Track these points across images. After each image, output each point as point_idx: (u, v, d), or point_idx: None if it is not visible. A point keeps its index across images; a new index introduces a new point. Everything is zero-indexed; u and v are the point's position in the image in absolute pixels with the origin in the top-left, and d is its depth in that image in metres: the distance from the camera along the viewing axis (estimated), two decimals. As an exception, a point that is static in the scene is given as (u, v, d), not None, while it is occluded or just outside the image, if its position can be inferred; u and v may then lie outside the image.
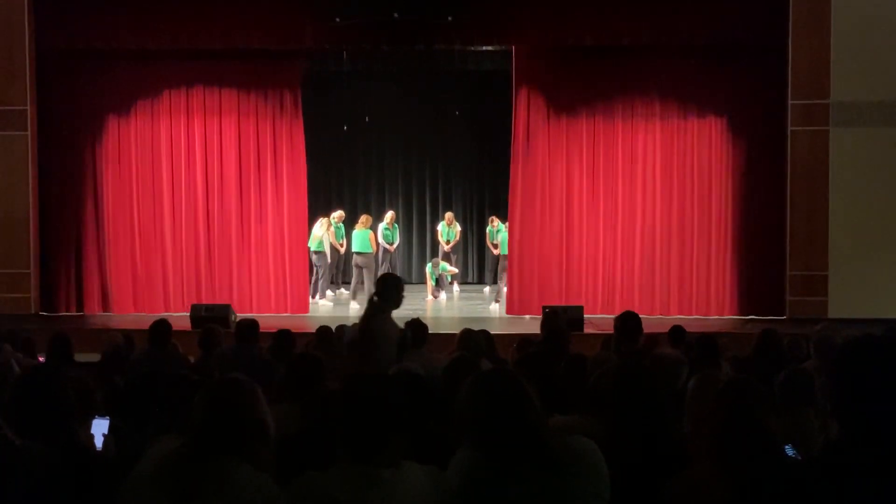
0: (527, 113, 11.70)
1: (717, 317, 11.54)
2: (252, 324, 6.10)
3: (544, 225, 11.68)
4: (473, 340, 5.61)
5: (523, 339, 6.64)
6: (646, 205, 11.71)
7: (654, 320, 10.43)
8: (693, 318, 11.09)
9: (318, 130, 16.29)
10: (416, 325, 5.66)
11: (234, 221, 12.06)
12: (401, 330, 5.43)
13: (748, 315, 11.48)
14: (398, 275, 7.08)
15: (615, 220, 11.74)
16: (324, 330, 6.91)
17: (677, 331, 6.76)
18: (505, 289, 13.40)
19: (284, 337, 6.19)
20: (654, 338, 6.27)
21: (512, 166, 11.80)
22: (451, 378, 3.66)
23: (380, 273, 14.47)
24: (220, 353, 5.86)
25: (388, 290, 5.45)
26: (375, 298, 5.45)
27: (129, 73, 11.92)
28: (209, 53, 11.83)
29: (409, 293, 14.52)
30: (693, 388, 3.50)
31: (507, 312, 11.56)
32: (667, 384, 3.91)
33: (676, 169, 11.69)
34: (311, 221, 14.53)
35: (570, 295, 11.62)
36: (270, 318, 10.65)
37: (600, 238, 11.75)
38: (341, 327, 7.13)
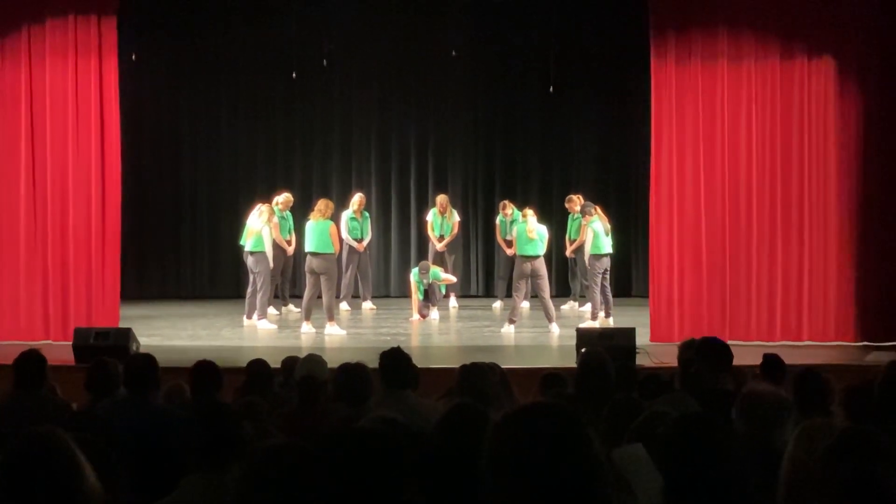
0: (674, 43, 11.71)
1: (821, 343, 11.55)
2: (148, 361, 6.06)
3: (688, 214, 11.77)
4: (479, 379, 5.60)
5: (550, 376, 6.64)
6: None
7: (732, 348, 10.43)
8: (786, 346, 11.10)
9: (251, 78, 16.36)
10: (394, 357, 5.63)
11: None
12: None
13: (868, 341, 11.50)
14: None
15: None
16: (258, 366, 6.88)
17: (773, 362, 6.72)
18: (524, 304, 13.44)
19: (204, 374, 6.16)
20: (738, 372, 6.26)
21: (655, 125, 11.80)
22: (450, 436, 3.64)
23: (345, 280, 14.57)
24: (117, 401, 5.83)
25: None
26: None
27: None
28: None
29: (387, 310, 14.78)
30: (795, 445, 3.48)
31: (653, 340, 11.44)
32: (763, 439, 3.90)
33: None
34: (239, 209, 14.58)
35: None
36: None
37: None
38: (291, 360, 7.11)
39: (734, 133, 11.69)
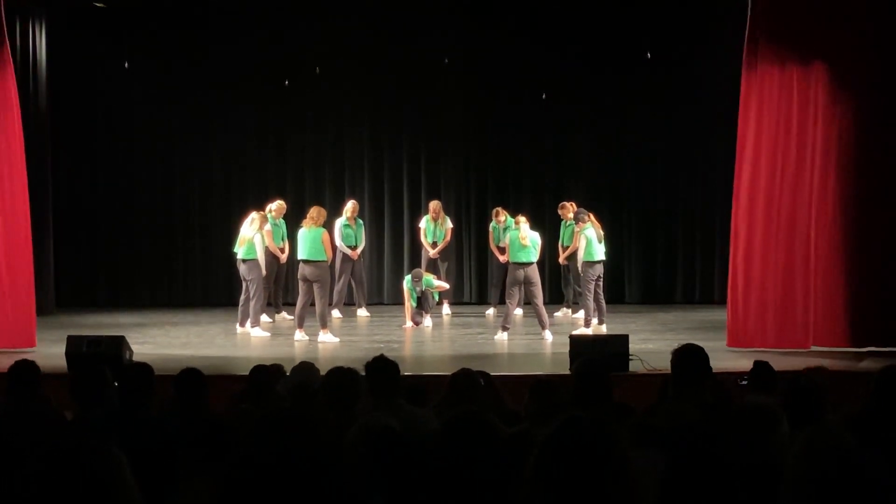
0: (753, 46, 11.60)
1: (814, 348, 11.56)
2: (143, 369, 6.03)
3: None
4: (469, 386, 5.61)
5: (539, 383, 6.61)
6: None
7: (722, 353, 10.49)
8: (777, 353, 11.11)
9: (243, 87, 16.34)
10: (381, 366, 5.58)
11: None
12: None
13: (863, 346, 11.51)
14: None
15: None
16: (260, 372, 6.89)
17: (762, 369, 6.72)
18: (517, 311, 13.44)
19: (189, 383, 6.13)
20: (727, 381, 6.26)
21: (741, 121, 11.71)
22: (455, 445, 3.59)
23: (337, 287, 14.59)
24: (111, 410, 5.81)
25: None
26: None
27: None
28: None
29: (380, 318, 14.78)
30: (801, 451, 3.40)
31: (731, 345, 11.44)
32: (753, 451, 3.89)
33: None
34: (231, 216, 14.59)
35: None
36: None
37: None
38: (278, 367, 7.12)
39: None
